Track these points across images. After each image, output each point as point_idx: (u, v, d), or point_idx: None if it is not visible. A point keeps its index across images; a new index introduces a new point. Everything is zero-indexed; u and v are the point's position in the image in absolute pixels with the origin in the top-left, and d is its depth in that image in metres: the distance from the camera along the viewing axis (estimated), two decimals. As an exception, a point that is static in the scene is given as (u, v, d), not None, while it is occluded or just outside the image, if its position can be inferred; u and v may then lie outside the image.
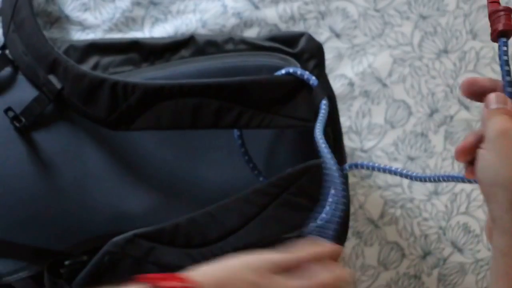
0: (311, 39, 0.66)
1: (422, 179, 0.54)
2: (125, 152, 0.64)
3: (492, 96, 0.45)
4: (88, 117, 0.60)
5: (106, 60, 0.66)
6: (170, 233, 0.58)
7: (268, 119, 0.60)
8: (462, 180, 0.50)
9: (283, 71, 0.61)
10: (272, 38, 0.67)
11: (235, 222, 0.59)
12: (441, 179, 0.52)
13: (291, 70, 0.61)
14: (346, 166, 0.61)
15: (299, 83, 0.61)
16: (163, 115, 0.58)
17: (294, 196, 0.59)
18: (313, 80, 0.61)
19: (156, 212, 0.64)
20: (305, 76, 0.61)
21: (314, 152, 0.62)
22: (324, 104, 0.60)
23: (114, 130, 0.60)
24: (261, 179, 0.64)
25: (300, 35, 0.66)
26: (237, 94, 0.59)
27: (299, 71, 0.61)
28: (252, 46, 0.66)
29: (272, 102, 0.60)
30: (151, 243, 0.58)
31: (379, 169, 0.58)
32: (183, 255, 0.58)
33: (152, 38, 0.71)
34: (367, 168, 0.58)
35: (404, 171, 0.55)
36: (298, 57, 0.65)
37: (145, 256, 0.58)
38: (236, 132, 0.64)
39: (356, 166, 0.60)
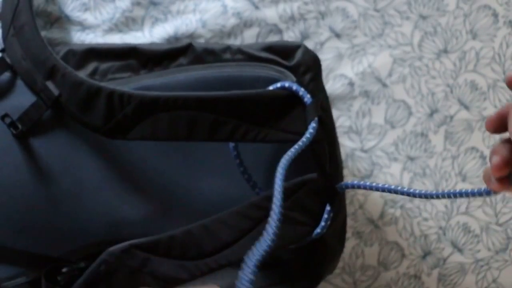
0: (307, 51, 0.65)
1: (423, 196, 0.53)
2: (122, 160, 0.64)
3: None
4: (84, 125, 0.60)
5: (104, 65, 0.66)
6: (166, 244, 0.58)
7: (263, 133, 0.60)
8: (476, 194, 0.48)
9: (278, 85, 0.61)
10: (268, 48, 0.67)
11: (230, 236, 0.59)
12: (451, 195, 0.51)
13: (286, 84, 0.61)
14: (342, 185, 0.61)
15: (294, 98, 0.61)
16: (158, 126, 0.58)
17: (289, 210, 0.59)
18: (307, 98, 0.61)
19: (151, 221, 0.64)
20: (300, 93, 0.60)
21: (312, 166, 0.62)
22: (312, 128, 0.60)
23: (110, 139, 0.60)
24: (256, 190, 0.64)
25: (296, 47, 0.66)
26: (232, 108, 0.59)
27: (294, 86, 0.60)
28: (249, 56, 0.66)
29: (267, 116, 0.60)
30: (147, 254, 0.58)
31: (371, 188, 0.57)
32: (178, 267, 0.58)
33: (151, 44, 0.71)
34: (364, 188, 0.58)
35: (405, 189, 0.54)
36: (294, 70, 0.64)
37: (140, 266, 0.58)
38: (231, 143, 0.64)
39: (353, 186, 0.59)
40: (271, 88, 0.61)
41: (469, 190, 0.49)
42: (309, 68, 0.65)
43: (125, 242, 0.59)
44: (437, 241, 0.77)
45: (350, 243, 0.76)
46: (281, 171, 0.52)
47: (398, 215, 0.77)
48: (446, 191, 0.51)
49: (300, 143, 0.57)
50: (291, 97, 0.61)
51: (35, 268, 0.63)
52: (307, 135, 0.59)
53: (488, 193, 0.47)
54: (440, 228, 0.77)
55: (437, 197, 0.52)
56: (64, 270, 0.62)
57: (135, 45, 0.67)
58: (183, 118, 0.58)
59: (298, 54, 0.65)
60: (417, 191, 0.53)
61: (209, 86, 0.63)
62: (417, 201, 0.77)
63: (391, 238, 0.77)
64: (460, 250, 0.77)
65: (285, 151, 0.65)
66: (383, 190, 0.56)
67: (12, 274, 0.62)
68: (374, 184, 0.57)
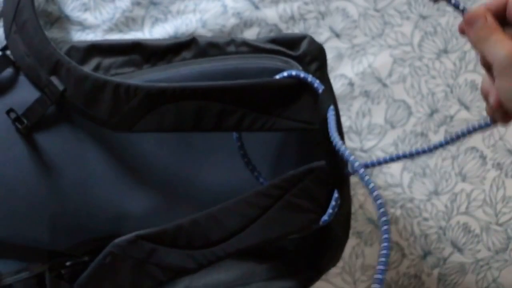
0: (312, 41, 0.65)
1: (439, 146, 0.57)
2: (126, 153, 0.64)
3: (474, 14, 0.45)
4: (90, 119, 0.60)
5: (107, 61, 0.66)
6: (172, 234, 0.58)
7: (271, 121, 0.60)
8: (477, 128, 0.54)
9: (285, 74, 0.61)
10: (273, 40, 0.67)
11: (237, 224, 0.59)
12: (458, 136, 0.56)
13: (293, 72, 0.61)
14: (358, 167, 0.61)
15: (301, 86, 0.61)
16: (165, 117, 0.58)
17: (296, 198, 0.59)
18: (317, 83, 0.61)
19: (157, 213, 0.64)
20: (309, 79, 0.60)
21: (317, 154, 0.62)
22: (332, 110, 0.60)
23: (116, 132, 0.60)
24: (261, 180, 0.64)
25: (301, 37, 0.66)
26: (239, 97, 0.59)
27: (302, 74, 0.61)
28: (254, 48, 0.66)
29: (274, 105, 0.60)
30: (153, 245, 0.58)
31: (387, 161, 0.60)
32: (185, 256, 0.58)
33: (154, 40, 0.71)
34: (379, 164, 0.61)
35: (419, 149, 0.58)
36: (299, 60, 0.64)
37: (147, 257, 0.58)
38: (235, 134, 0.64)
39: (367, 165, 0.61)
40: (277, 77, 0.61)
41: (471, 127, 0.54)
42: (315, 57, 0.65)
43: (130, 233, 0.59)
44: (437, 241, 0.77)
45: (350, 243, 0.76)
46: (339, 144, 0.54)
47: (398, 215, 0.77)
48: (452, 136, 0.57)
49: (331, 125, 0.58)
50: (298, 85, 0.61)
51: (38, 263, 0.63)
52: (332, 118, 0.59)
53: (488, 125, 0.52)
54: (440, 228, 0.77)
55: (447, 143, 0.57)
56: (68, 263, 0.62)
57: (137, 40, 0.67)
58: (190, 108, 0.58)
59: (304, 44, 0.65)
60: (432, 145, 0.58)
61: (214, 79, 0.63)
62: (417, 201, 0.77)
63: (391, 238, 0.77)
64: (460, 250, 0.77)
65: (289, 143, 0.65)
66: (398, 158, 0.59)
67: (15, 269, 0.62)
68: (388, 157, 0.60)
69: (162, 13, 0.76)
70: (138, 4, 0.75)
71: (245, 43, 0.66)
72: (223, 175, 0.65)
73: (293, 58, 0.65)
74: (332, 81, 0.74)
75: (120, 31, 0.75)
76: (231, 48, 0.66)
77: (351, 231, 0.76)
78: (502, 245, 0.77)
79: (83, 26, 0.75)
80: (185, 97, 0.58)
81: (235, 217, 0.59)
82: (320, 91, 0.60)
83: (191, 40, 0.67)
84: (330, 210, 0.61)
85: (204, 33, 0.75)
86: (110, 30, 0.75)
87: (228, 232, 0.59)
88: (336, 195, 0.61)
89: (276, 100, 0.60)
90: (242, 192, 0.61)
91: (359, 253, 0.77)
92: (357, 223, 0.76)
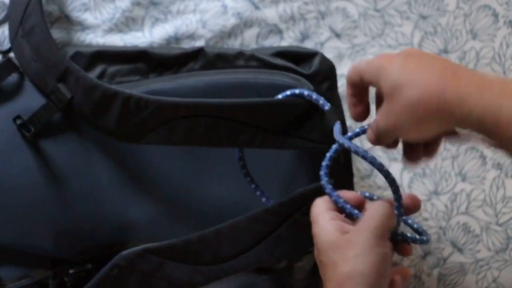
0: (324, 60, 0.65)
1: None
2: (132, 163, 0.64)
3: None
4: (97, 128, 0.60)
5: (113, 68, 0.65)
6: (181, 249, 0.58)
7: (281, 140, 0.59)
8: None
9: (296, 91, 0.60)
10: (282, 53, 0.66)
11: (247, 242, 0.59)
12: None
13: (305, 92, 0.60)
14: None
15: (312, 106, 0.60)
16: (175, 131, 0.58)
17: (305, 216, 0.59)
18: (322, 101, 0.60)
19: (161, 223, 0.64)
20: (314, 97, 0.60)
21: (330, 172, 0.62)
22: (338, 124, 0.60)
23: (123, 142, 0.60)
24: (263, 200, 0.64)
25: (312, 54, 0.65)
26: (252, 115, 0.58)
27: (314, 95, 0.60)
28: (263, 63, 0.65)
29: (286, 124, 0.59)
30: (161, 259, 0.58)
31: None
32: (193, 271, 0.58)
33: (160, 48, 0.70)
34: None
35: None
36: (311, 78, 0.63)
37: (154, 271, 0.58)
38: (237, 153, 0.63)
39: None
40: (288, 93, 0.61)
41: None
42: (326, 77, 0.64)
43: (138, 246, 0.59)
44: (437, 241, 0.77)
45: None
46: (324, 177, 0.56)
47: (398, 215, 0.77)
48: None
49: (339, 141, 0.58)
50: (309, 105, 0.60)
51: (41, 270, 0.63)
52: (337, 127, 0.59)
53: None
54: (440, 228, 0.77)
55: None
56: (71, 271, 0.62)
57: (144, 48, 0.66)
58: (202, 124, 0.58)
59: (316, 62, 0.64)
60: None
61: (222, 92, 0.63)
62: (417, 201, 0.77)
63: (391, 238, 0.77)
64: (460, 250, 0.77)
65: (298, 161, 0.65)
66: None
67: (18, 275, 0.62)
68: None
69: (162, 13, 0.76)
70: (138, 4, 0.75)
71: (254, 56, 0.65)
72: (228, 187, 0.65)
73: (304, 77, 0.64)
74: (332, 81, 0.74)
75: (120, 31, 0.75)
76: (240, 62, 0.65)
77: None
78: (502, 245, 0.77)
79: (83, 26, 0.74)
80: (197, 113, 0.58)
81: (244, 235, 0.59)
82: (326, 108, 0.60)
83: (199, 51, 0.66)
84: None
85: (204, 33, 0.75)
86: (110, 30, 0.75)
87: (237, 249, 0.59)
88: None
89: (288, 119, 0.59)
90: (244, 206, 0.61)
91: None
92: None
